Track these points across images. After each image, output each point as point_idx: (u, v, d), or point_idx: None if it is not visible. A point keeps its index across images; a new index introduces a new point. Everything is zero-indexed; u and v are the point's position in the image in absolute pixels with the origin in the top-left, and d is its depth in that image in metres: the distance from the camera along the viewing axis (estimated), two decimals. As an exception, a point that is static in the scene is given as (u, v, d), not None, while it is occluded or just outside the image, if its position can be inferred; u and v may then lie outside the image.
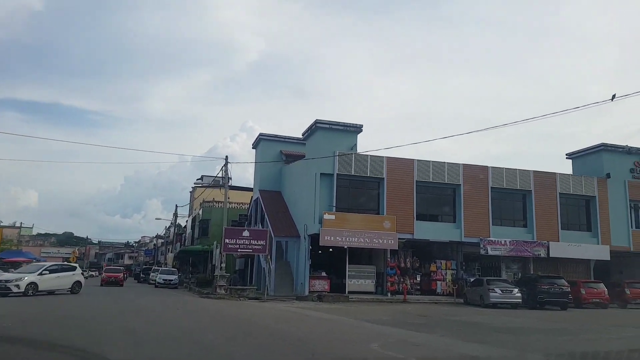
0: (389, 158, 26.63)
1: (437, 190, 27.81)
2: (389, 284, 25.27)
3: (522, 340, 10.84)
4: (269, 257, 25.86)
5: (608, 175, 29.74)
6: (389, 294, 24.91)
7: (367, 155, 26.27)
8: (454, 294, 25.82)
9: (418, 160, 27.17)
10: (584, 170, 30.69)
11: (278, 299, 23.17)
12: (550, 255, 27.59)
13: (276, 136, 34.00)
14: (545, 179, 29.03)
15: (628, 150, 30.41)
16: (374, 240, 24.95)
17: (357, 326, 12.84)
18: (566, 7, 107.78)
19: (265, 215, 29.63)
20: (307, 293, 23.95)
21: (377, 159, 26.38)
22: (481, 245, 26.95)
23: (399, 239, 25.40)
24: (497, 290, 22.33)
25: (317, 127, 26.28)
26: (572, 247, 28.09)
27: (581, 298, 23.61)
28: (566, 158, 33.14)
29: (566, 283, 22.94)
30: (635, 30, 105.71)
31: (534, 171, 28.97)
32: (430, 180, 27.11)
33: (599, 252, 28.62)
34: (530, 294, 22.84)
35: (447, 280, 27.15)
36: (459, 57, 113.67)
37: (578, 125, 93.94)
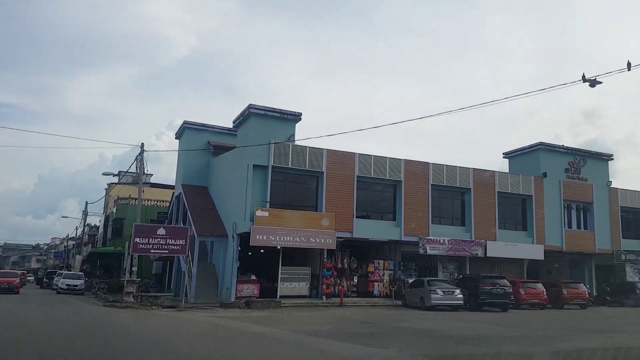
0: (329, 151, 24.58)
1: (378, 186, 26.18)
2: (324, 286, 23.21)
3: (498, 352, 9.04)
4: (189, 259, 22.75)
5: (545, 175, 29.72)
6: (324, 297, 22.89)
7: (306, 147, 24.04)
8: (392, 296, 24.38)
9: (360, 154, 25.35)
10: (521, 169, 30.51)
11: (199, 306, 20.23)
12: (487, 255, 26.92)
13: (203, 125, 30.77)
14: (484, 177, 28.40)
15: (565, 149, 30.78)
16: (311, 239, 22.74)
17: (296, 343, 10.42)
18: (489, 22, 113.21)
19: (188, 213, 26.43)
20: (233, 299, 21.22)
21: (316, 152, 24.23)
22: (420, 245, 25.66)
23: (337, 238, 23.41)
24: (439, 291, 21.01)
25: (250, 114, 23.60)
26: (508, 246, 27.62)
27: (520, 298, 22.92)
28: (503, 157, 33.00)
29: (508, 283, 22.13)
30: (551, 47, 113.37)
31: (474, 169, 28.25)
32: (372, 176, 25.39)
33: (534, 251, 28.43)
34: (471, 295, 21.78)
35: (385, 281, 25.58)
36: (391, 65, 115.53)
37: (498, 135, 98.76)
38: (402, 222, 25.53)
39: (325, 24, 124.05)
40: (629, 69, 10.38)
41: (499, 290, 21.54)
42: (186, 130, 30.63)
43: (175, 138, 32.68)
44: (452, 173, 27.51)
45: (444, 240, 26.09)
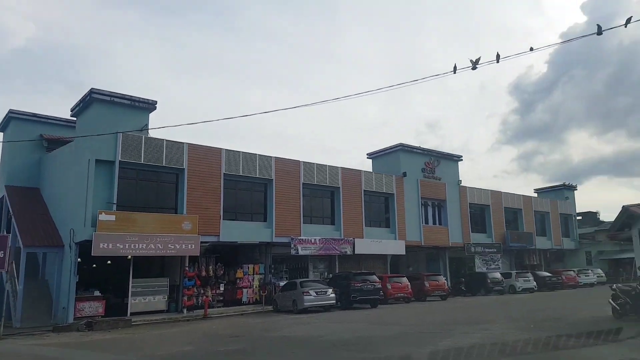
0: (191, 145, 22.07)
1: (248, 185, 24.37)
2: (185, 298, 20.63)
3: (388, 356, 7.96)
4: (14, 274, 18.30)
5: (404, 174, 30.92)
6: (185, 311, 20.32)
7: (163, 140, 21.23)
8: (262, 301, 22.78)
9: (227, 150, 23.28)
10: (384, 169, 31.36)
11: (26, 332, 16.19)
12: (355, 252, 26.93)
13: (34, 115, 25.68)
14: (351, 176, 28.45)
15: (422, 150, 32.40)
16: (170, 245, 19.98)
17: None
18: (350, 34, 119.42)
19: (13, 219, 21.57)
20: (71, 320, 17.51)
21: (175, 146, 21.54)
22: (292, 245, 24.53)
23: (201, 242, 21.01)
24: (312, 292, 20.03)
25: (92, 99, 19.94)
26: (374, 243, 28.02)
27: (387, 293, 23.10)
28: (367, 158, 33.71)
29: (377, 279, 22.09)
30: (402, 61, 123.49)
31: (342, 168, 28.13)
32: (241, 174, 23.51)
33: (397, 247, 29.31)
34: (343, 294, 21.28)
35: (255, 287, 23.86)
36: (253, 68, 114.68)
37: (357, 140, 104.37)
38: (273, 223, 24.11)
39: (187, 23, 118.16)
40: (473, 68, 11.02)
41: (369, 286, 21.35)
42: (12, 121, 25.29)
43: (0, 131, 26.87)
44: (322, 172, 27.01)
45: (315, 239, 25.35)
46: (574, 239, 43.17)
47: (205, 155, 22.44)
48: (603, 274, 35.93)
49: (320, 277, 25.50)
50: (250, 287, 23.68)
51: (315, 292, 20.14)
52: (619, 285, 12.64)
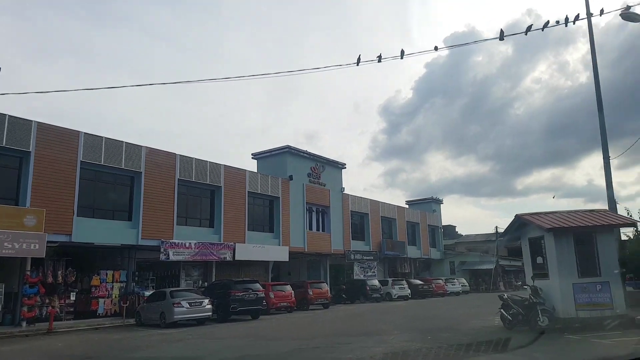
0: (42, 125, 18.26)
1: (110, 177, 21.01)
2: (25, 308, 16.76)
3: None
4: None
5: (291, 177, 29.76)
6: (24, 324, 16.56)
7: (5, 115, 17.16)
8: (123, 314, 19.55)
9: (86, 134, 19.72)
10: (269, 171, 29.79)
11: None
12: (236, 258, 24.88)
13: None
14: (235, 175, 26.42)
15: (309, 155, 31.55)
16: (7, 244, 16.06)
17: None
18: (229, 38, 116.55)
19: None
20: None
21: (20, 123, 17.56)
22: (162, 249, 21.67)
23: (48, 242, 17.28)
24: (184, 303, 17.54)
25: None
26: (256, 248, 26.28)
27: (270, 303, 21.49)
28: (252, 158, 31.90)
29: (261, 287, 20.36)
30: (280, 63, 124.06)
31: (225, 165, 25.95)
32: (102, 164, 20.09)
33: (280, 253, 27.93)
34: (221, 304, 19.12)
35: (114, 297, 20.49)
36: (128, 60, 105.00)
37: (237, 147, 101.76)
38: (140, 223, 21.06)
39: (59, 7, 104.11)
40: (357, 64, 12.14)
41: (251, 296, 19.52)
42: None
43: None
44: (202, 168, 24.56)
45: (190, 243, 22.75)
46: (440, 249, 46.12)
47: (59, 138, 18.73)
48: (467, 284, 38.68)
49: (194, 286, 22.94)
50: (108, 297, 20.31)
51: (189, 302, 17.69)
52: (510, 295, 12.64)
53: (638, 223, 14.46)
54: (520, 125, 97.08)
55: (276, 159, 30.63)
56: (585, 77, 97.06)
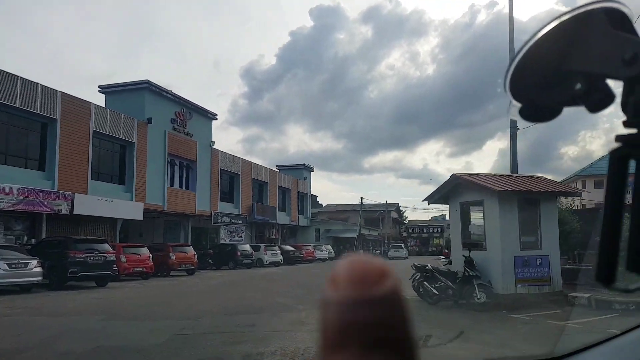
0: None
1: None
2: None
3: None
4: None
5: (150, 121, 24.49)
6: None
7: None
8: None
9: None
10: (122, 110, 23.88)
11: None
12: (75, 212, 19.35)
13: None
14: (77, 107, 20.53)
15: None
16: None
17: None
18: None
19: None
20: None
21: None
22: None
23: None
24: (2, 264, 12.77)
25: None
26: (102, 202, 20.90)
27: (121, 267, 16.87)
28: (99, 91, 25.53)
29: (110, 249, 15.72)
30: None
31: (64, 93, 19.91)
32: None
33: (133, 210, 22.89)
34: (55, 267, 14.19)
35: None
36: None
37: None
38: None
39: None
40: None
41: (98, 258, 14.85)
42: None
43: None
44: (30, 91, 18.37)
45: (10, 188, 16.81)
46: (307, 217, 44.74)
47: None
48: (332, 250, 38.02)
49: (17, 243, 17.11)
50: None
51: (10, 264, 12.58)
52: (437, 266, 10.61)
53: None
54: (372, 107, 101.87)
55: (131, 96, 24.76)
56: (432, 69, 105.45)
